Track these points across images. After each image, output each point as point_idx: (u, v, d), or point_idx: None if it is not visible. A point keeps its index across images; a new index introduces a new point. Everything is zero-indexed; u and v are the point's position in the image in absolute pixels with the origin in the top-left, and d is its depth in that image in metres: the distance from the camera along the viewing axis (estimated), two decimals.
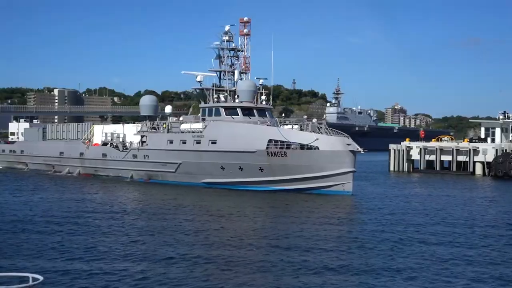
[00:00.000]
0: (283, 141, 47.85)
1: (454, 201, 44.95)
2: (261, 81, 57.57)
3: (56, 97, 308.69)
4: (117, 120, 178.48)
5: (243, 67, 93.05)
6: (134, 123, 64.70)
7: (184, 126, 55.79)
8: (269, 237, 27.80)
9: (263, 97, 56.18)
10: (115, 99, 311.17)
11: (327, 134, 47.86)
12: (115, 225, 31.60)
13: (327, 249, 25.15)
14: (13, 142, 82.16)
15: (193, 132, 54.00)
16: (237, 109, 53.54)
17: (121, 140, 63.37)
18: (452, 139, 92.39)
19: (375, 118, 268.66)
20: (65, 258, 22.92)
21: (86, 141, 67.70)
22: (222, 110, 53.69)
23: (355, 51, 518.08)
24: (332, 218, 34.52)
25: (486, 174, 73.34)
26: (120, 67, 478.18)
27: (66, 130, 75.26)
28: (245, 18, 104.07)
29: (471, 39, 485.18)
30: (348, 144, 46.75)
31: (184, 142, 54.22)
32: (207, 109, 55.25)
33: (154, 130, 59.17)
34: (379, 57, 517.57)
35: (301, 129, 50.29)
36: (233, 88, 56.96)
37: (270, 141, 48.35)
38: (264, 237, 27.89)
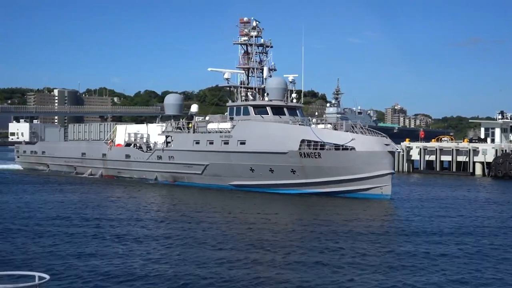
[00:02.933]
0: (316, 142, 45.14)
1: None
2: (290, 78, 54.82)
3: (56, 97, 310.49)
4: (117, 120, 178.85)
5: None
6: (159, 122, 62.41)
7: (211, 126, 53.31)
8: (300, 249, 25.04)
9: (294, 95, 53.46)
10: (115, 99, 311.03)
11: (364, 133, 45.12)
12: (134, 228, 29.91)
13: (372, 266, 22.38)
14: (34, 143, 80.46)
15: (220, 132, 51.51)
16: (267, 107, 50.91)
17: (145, 140, 61.14)
18: (452, 139, 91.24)
19: (375, 118, 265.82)
20: (74, 258, 22.19)
21: (109, 141, 65.61)
22: (251, 109, 51.10)
23: (355, 51, 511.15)
24: (373, 226, 31.83)
25: (486, 174, 72.94)
26: (120, 67, 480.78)
27: (88, 130, 73.36)
28: (245, 19, 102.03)
29: (471, 39, 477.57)
30: (386, 145, 44.00)
31: (211, 143, 51.76)
32: (235, 108, 52.68)
33: (179, 130, 56.78)
34: (379, 57, 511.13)
35: (335, 129, 47.67)
36: (262, 86, 54.34)
37: (303, 141, 45.69)
38: (295, 247, 25.24)
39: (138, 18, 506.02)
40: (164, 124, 59.24)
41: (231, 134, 50.06)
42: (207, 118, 56.71)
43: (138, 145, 61.47)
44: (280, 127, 47.84)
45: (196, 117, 57.02)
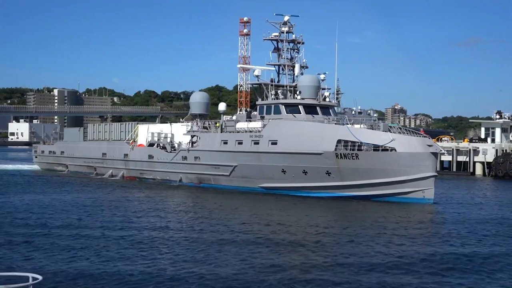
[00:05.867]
0: (354, 142, 42.58)
1: None
2: (322, 76, 52.24)
3: (56, 97, 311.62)
4: (116, 120, 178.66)
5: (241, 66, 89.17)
6: (184, 121, 60.13)
7: (239, 125, 50.85)
8: (336, 259, 22.72)
9: (327, 93, 50.88)
10: (115, 99, 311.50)
11: (404, 133, 42.54)
12: (151, 231, 28.49)
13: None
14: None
15: (250, 131, 49.07)
16: (299, 106, 48.44)
17: (169, 140, 58.78)
18: (452, 139, 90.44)
19: (375, 118, 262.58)
20: (68, 259, 21.79)
21: (131, 141, 63.43)
22: (282, 108, 48.63)
23: (355, 51, 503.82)
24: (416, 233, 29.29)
25: (486, 174, 73.14)
26: (120, 67, 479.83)
27: (108, 130, 71.31)
28: (245, 18, 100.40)
29: (471, 39, 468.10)
30: (429, 146, 41.37)
31: (240, 143, 49.33)
32: (265, 106, 50.22)
33: (206, 130, 54.41)
34: (379, 57, 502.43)
35: (372, 129, 45.11)
36: (293, 84, 51.85)
37: (339, 141, 43.13)
38: (329, 258, 22.85)
39: (138, 18, 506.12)
40: (189, 123, 56.96)
41: (262, 133, 47.62)
42: (234, 117, 54.31)
43: (161, 145, 59.18)
44: (316, 127, 45.34)
45: (224, 116, 54.58)
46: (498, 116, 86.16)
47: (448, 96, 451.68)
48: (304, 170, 44.79)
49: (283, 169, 45.98)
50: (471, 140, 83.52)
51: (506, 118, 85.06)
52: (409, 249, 24.44)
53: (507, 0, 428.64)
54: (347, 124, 44.67)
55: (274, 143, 46.62)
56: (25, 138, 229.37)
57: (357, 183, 43.02)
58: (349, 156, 42.51)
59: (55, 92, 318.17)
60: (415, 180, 41.23)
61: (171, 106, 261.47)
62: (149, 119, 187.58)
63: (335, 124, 45.44)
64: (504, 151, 73.39)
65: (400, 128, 44.54)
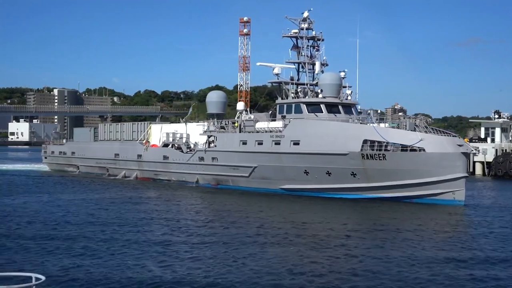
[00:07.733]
0: (380, 142, 41.09)
1: None
2: (342, 73, 50.70)
3: (56, 97, 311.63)
4: (116, 120, 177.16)
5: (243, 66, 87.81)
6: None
7: (259, 125, 49.36)
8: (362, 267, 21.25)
9: (348, 91, 49.38)
10: (115, 99, 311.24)
11: (433, 133, 41.09)
12: (165, 232, 27.83)
13: None
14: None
15: (270, 131, 47.58)
16: (321, 105, 46.96)
17: (184, 140, 57.30)
18: None
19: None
20: (73, 259, 21.49)
21: (144, 141, 62.00)
22: (303, 107, 47.15)
23: (355, 50, 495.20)
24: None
25: (486, 174, 73.04)
26: (120, 67, 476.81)
27: (120, 130, 69.91)
28: (245, 18, 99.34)
29: (471, 39, 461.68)
30: (459, 145, 39.88)
31: (260, 143, 47.85)
32: (285, 105, 48.73)
33: (223, 130, 52.93)
34: (379, 57, 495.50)
35: (398, 128, 43.70)
36: (314, 82, 50.34)
37: (365, 141, 41.63)
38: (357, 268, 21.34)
39: (138, 18, 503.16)
40: (206, 123, 55.52)
41: (283, 133, 46.12)
42: (252, 116, 52.83)
43: (176, 145, 57.73)
44: (340, 126, 43.84)
45: (243, 115, 53.03)
46: (496, 116, 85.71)
47: (448, 96, 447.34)
48: (328, 171, 43.32)
49: (305, 170, 44.52)
50: (471, 140, 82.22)
51: (504, 118, 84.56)
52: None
53: (507, 0, 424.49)
54: (373, 123, 43.13)
55: (296, 143, 45.16)
56: (25, 138, 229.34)
57: (385, 185, 41.57)
58: (375, 156, 41.02)
59: (55, 92, 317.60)
60: (445, 181, 39.77)
61: (171, 106, 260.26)
62: (149, 118, 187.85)
63: (360, 123, 43.93)
64: (504, 151, 73.14)
65: (426, 127, 43.04)
